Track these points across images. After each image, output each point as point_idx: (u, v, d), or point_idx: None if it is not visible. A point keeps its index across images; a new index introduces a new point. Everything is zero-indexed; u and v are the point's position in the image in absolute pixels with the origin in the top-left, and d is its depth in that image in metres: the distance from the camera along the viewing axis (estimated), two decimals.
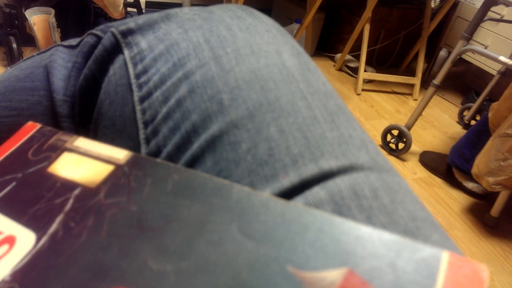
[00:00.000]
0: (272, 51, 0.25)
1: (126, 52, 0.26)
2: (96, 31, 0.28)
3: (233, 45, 0.24)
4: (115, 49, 0.27)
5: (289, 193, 0.19)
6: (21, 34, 1.60)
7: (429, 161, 1.51)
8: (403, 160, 1.54)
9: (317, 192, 0.19)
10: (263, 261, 0.14)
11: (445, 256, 0.13)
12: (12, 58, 1.59)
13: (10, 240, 0.19)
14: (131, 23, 0.27)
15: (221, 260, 0.15)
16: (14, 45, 1.55)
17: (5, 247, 0.18)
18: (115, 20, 1.62)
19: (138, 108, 0.24)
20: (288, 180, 0.19)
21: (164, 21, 0.27)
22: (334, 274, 0.13)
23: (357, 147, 0.22)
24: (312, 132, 0.21)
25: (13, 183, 0.22)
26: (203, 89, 0.23)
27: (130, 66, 0.25)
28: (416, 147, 1.64)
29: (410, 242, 0.14)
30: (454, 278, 0.12)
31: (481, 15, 1.28)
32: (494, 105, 1.25)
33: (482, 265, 0.12)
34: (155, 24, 0.27)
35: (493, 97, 1.74)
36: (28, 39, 1.59)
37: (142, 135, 0.24)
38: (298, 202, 0.19)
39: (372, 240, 0.14)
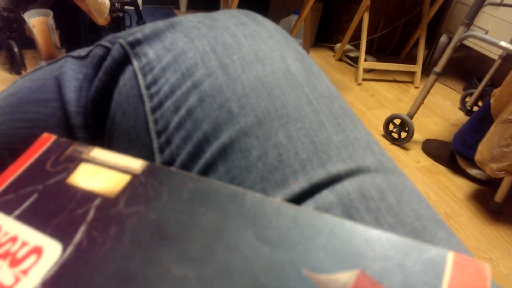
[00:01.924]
0: (277, 57, 0.26)
1: (135, 62, 0.27)
2: (104, 42, 0.29)
3: (239, 53, 0.25)
4: (124, 60, 0.27)
5: (299, 198, 0.20)
6: (20, 37, 1.60)
7: (432, 149, 1.51)
8: (406, 149, 1.55)
9: (327, 195, 0.20)
10: (278, 265, 0.15)
11: (450, 256, 0.14)
12: (13, 62, 1.59)
13: (37, 251, 0.20)
14: (138, 33, 0.28)
15: (239, 265, 0.16)
16: (16, 49, 1.55)
17: (33, 257, 0.19)
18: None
19: (150, 118, 0.25)
20: (298, 185, 0.20)
21: (170, 29, 0.28)
22: (347, 276, 0.14)
23: (363, 149, 0.22)
24: (319, 136, 0.22)
25: (35, 195, 0.23)
26: (212, 98, 0.23)
27: (140, 76, 0.26)
28: (419, 136, 1.64)
29: (417, 243, 0.15)
30: (459, 277, 0.13)
31: (481, 0, 1.27)
32: (496, 91, 1.25)
33: (485, 264, 0.13)
34: (161, 33, 0.28)
35: (495, 82, 1.74)
36: (27, 42, 1.59)
37: (155, 144, 0.24)
38: (308, 206, 0.20)
39: (381, 242, 0.15)
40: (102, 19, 1.50)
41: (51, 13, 1.51)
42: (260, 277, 0.15)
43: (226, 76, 0.24)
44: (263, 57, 0.25)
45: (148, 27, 0.29)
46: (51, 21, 1.51)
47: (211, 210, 0.18)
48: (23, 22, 1.52)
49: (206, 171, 0.22)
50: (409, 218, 0.20)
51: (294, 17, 2.08)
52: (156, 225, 0.19)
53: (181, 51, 0.26)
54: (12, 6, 1.56)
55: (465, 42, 1.98)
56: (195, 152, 0.23)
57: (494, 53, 1.87)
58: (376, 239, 0.15)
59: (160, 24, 0.29)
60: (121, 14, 1.81)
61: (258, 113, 0.23)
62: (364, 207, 0.19)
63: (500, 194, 1.25)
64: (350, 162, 0.21)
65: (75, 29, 1.64)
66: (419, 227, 0.20)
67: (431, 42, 2.28)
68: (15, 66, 1.59)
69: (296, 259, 0.15)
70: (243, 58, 0.25)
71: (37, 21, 1.49)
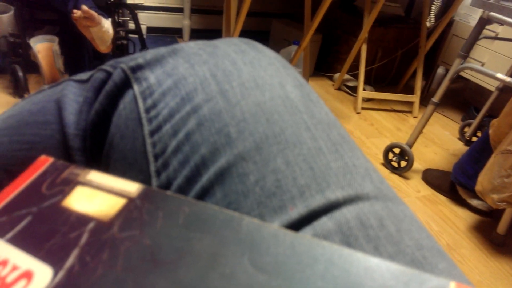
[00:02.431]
0: (276, 83, 0.26)
1: (135, 87, 0.27)
2: (106, 66, 0.30)
3: (238, 79, 0.25)
4: (125, 84, 0.28)
5: (297, 224, 0.20)
6: (25, 62, 1.63)
7: (432, 178, 1.51)
8: (406, 178, 1.54)
9: (325, 222, 0.20)
10: None
11: (452, 287, 0.13)
12: (17, 86, 1.61)
13: (27, 275, 0.19)
14: (139, 58, 0.28)
15: None
16: (20, 73, 1.57)
17: (23, 282, 0.19)
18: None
19: (148, 141, 0.25)
20: (296, 211, 0.20)
21: (171, 55, 0.28)
22: None
23: (362, 176, 0.22)
24: (318, 163, 0.22)
25: (29, 218, 0.23)
26: (211, 122, 0.24)
27: (139, 100, 0.26)
28: (419, 165, 1.64)
29: (418, 273, 0.14)
30: None
31: (476, 34, 1.30)
32: (494, 121, 1.26)
33: None
34: (163, 59, 0.28)
35: (493, 113, 1.76)
36: (32, 66, 1.62)
37: (152, 167, 0.24)
38: (306, 233, 0.20)
39: (380, 271, 0.14)
40: (104, 47, 1.53)
41: (56, 39, 1.54)
42: None
43: (225, 102, 0.24)
44: (262, 83, 0.26)
45: (150, 53, 0.29)
46: (56, 47, 1.53)
47: (206, 235, 0.18)
48: (28, 47, 1.55)
49: (203, 195, 0.22)
50: (409, 248, 0.19)
51: (294, 47, 2.12)
52: (150, 251, 0.18)
53: (182, 76, 0.26)
54: (19, 32, 1.60)
55: (463, 73, 2.02)
56: (192, 176, 0.23)
57: (491, 85, 1.90)
58: (376, 268, 0.15)
59: (162, 50, 0.29)
60: (125, 42, 1.85)
61: (256, 138, 0.23)
62: (363, 235, 0.19)
63: (502, 226, 1.24)
64: (348, 189, 0.21)
65: (79, 55, 1.67)
66: (420, 257, 0.19)
67: (428, 74, 2.32)
68: (19, 90, 1.61)
69: (294, 287, 0.15)
70: (242, 84, 0.25)
71: (42, 47, 1.52)
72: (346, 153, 0.23)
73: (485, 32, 1.75)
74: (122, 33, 1.85)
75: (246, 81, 0.25)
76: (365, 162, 0.24)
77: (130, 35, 1.90)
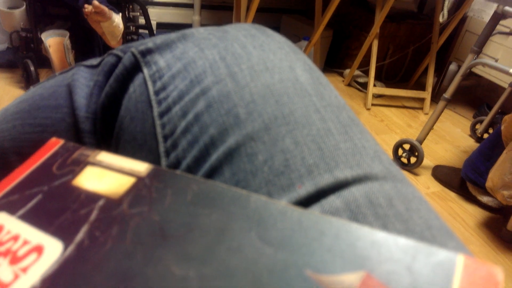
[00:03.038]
0: (285, 67, 0.26)
1: (145, 70, 0.27)
2: (116, 51, 0.30)
3: (248, 62, 0.25)
4: (134, 68, 0.28)
5: (305, 202, 0.20)
6: (37, 56, 1.65)
7: (442, 175, 1.49)
8: (415, 174, 1.53)
9: (333, 201, 0.19)
10: (281, 265, 0.15)
11: (460, 259, 0.13)
12: (29, 81, 1.63)
13: (38, 249, 0.19)
14: (149, 43, 0.29)
15: (241, 265, 0.15)
16: (32, 68, 1.59)
17: (34, 255, 0.19)
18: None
19: (157, 123, 0.25)
20: (304, 189, 0.20)
21: (181, 40, 0.28)
22: (352, 278, 0.14)
23: (371, 158, 0.22)
24: (326, 143, 0.22)
25: (39, 196, 0.23)
26: (220, 104, 0.24)
27: (149, 83, 0.27)
28: (429, 161, 1.62)
29: (426, 246, 0.14)
30: (470, 281, 0.13)
31: (490, 29, 1.28)
32: (506, 117, 1.24)
33: (497, 268, 0.13)
34: (172, 43, 0.28)
35: (505, 109, 1.73)
36: (43, 61, 1.64)
37: (162, 148, 0.24)
38: (314, 210, 0.20)
39: (387, 245, 0.14)
40: (114, 41, 1.54)
41: (67, 34, 1.56)
42: (262, 277, 0.15)
43: (234, 84, 0.24)
44: (272, 66, 0.26)
45: (160, 38, 0.29)
46: (67, 41, 1.55)
47: (214, 212, 0.18)
48: (40, 42, 1.57)
49: (211, 174, 0.22)
50: (418, 226, 0.19)
51: (304, 43, 2.11)
52: (158, 226, 0.18)
53: (191, 59, 0.26)
54: (30, 27, 1.62)
55: (475, 70, 1.99)
56: (201, 155, 0.23)
57: (504, 81, 1.87)
58: (383, 242, 0.15)
59: (172, 35, 0.29)
60: (135, 37, 1.86)
61: (265, 119, 0.23)
62: (372, 213, 0.19)
63: None
64: (357, 169, 0.21)
65: (90, 49, 1.68)
66: (429, 236, 0.19)
67: (440, 70, 2.29)
68: (30, 84, 1.63)
69: (300, 260, 0.15)
70: (252, 67, 0.25)
71: (53, 41, 1.54)
72: (355, 135, 0.23)
73: (499, 27, 1.72)
74: (132, 28, 1.86)
75: (255, 64, 0.25)
76: (375, 144, 0.24)
77: (140, 31, 1.91)
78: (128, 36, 1.82)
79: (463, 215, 1.33)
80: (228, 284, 0.15)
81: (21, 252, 0.19)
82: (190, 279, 0.15)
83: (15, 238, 0.20)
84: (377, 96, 2.13)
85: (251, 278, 0.15)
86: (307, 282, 0.14)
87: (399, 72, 2.38)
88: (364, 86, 2.15)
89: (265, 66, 0.26)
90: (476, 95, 2.29)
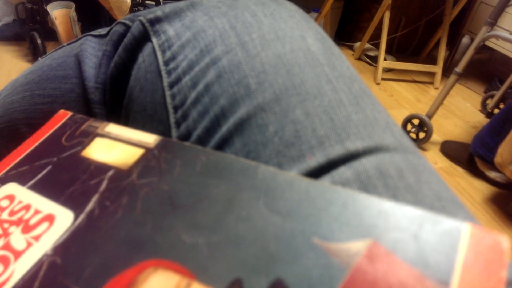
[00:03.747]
0: (297, 36, 0.25)
1: (154, 39, 0.27)
2: (125, 20, 0.29)
3: (258, 31, 0.25)
4: (143, 37, 0.28)
5: (315, 173, 0.20)
6: (43, 29, 1.63)
7: (451, 150, 1.48)
8: (424, 149, 1.52)
9: (344, 172, 0.19)
10: (289, 234, 0.15)
11: (466, 228, 0.13)
12: (36, 53, 1.63)
13: (49, 218, 0.20)
14: (158, 11, 0.28)
15: (250, 234, 0.15)
16: (39, 41, 1.59)
17: (45, 224, 0.20)
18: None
19: (167, 93, 0.25)
20: (314, 160, 0.20)
21: (190, 9, 0.28)
22: (359, 245, 0.14)
23: (382, 129, 0.22)
24: (338, 114, 0.22)
25: (49, 167, 0.23)
26: (230, 74, 0.23)
27: (158, 53, 0.26)
28: (437, 137, 1.61)
29: (432, 214, 0.14)
30: (476, 248, 0.13)
31: (506, 0, 1.24)
32: None
33: (503, 236, 0.13)
34: (181, 12, 0.28)
35: None
36: (49, 33, 1.63)
37: (172, 119, 0.25)
38: (324, 181, 0.20)
39: (394, 213, 0.15)
40: (121, 16, 1.52)
41: (73, 5, 1.54)
42: (270, 245, 0.15)
43: (245, 53, 0.24)
44: (283, 35, 0.25)
45: (169, 6, 0.29)
46: (73, 13, 1.53)
47: (223, 182, 0.18)
48: (46, 14, 1.55)
49: (222, 145, 0.22)
50: (428, 198, 0.19)
51: (314, 15, 2.06)
52: (168, 195, 0.19)
53: (201, 28, 0.26)
54: None
55: (488, 43, 1.94)
56: (212, 126, 0.23)
57: None
58: (390, 211, 0.15)
59: (181, 3, 0.29)
60: (142, 8, 1.83)
61: (276, 89, 0.22)
62: (382, 184, 0.19)
63: None
64: (369, 140, 0.21)
65: (96, 21, 1.67)
66: (439, 207, 0.19)
67: (452, 43, 2.24)
68: (38, 57, 1.63)
69: (307, 228, 0.15)
70: (262, 36, 0.25)
71: (59, 13, 1.52)
72: (367, 106, 0.23)
73: None
74: (138, 0, 1.83)
75: (266, 33, 0.25)
76: (386, 116, 0.24)
77: (147, 2, 1.88)
78: (135, 7, 1.80)
79: (470, 191, 1.33)
80: (237, 251, 0.15)
81: (33, 221, 0.20)
82: (200, 246, 0.16)
83: (27, 207, 0.21)
84: (387, 70, 2.10)
85: (260, 246, 0.15)
86: (314, 250, 0.14)
87: (410, 45, 2.33)
88: (374, 60, 2.11)
89: (276, 35, 0.25)
90: (488, 69, 2.24)
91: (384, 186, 0.19)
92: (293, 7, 0.29)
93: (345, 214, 0.15)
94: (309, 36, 0.26)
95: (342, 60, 0.26)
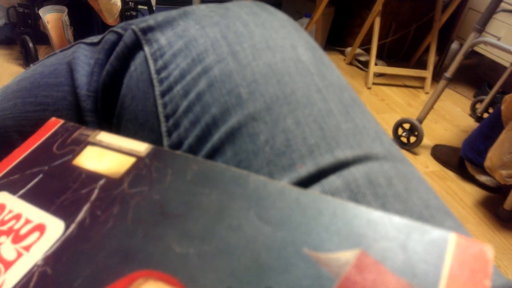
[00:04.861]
0: (287, 45, 0.26)
1: (146, 48, 0.27)
2: (117, 28, 0.30)
3: (250, 41, 0.25)
4: (135, 46, 0.28)
5: (306, 182, 0.20)
6: (35, 32, 1.62)
7: (441, 154, 1.50)
8: (414, 153, 1.54)
9: (333, 180, 0.20)
10: (280, 243, 0.15)
11: (452, 237, 0.14)
12: (28, 57, 1.61)
13: (40, 228, 0.20)
14: (150, 20, 0.28)
15: (241, 243, 0.16)
16: (30, 44, 1.57)
17: (36, 234, 0.20)
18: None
19: (159, 102, 0.25)
20: (305, 169, 0.20)
21: (182, 18, 0.28)
22: (348, 255, 0.14)
23: (372, 138, 0.22)
24: (328, 123, 0.22)
25: (40, 175, 0.23)
26: (222, 83, 0.24)
27: (150, 62, 0.26)
28: (428, 141, 1.63)
29: (420, 224, 0.14)
30: (461, 258, 0.13)
31: (494, 6, 1.26)
32: (507, 97, 1.24)
33: (487, 246, 0.13)
34: (174, 21, 0.28)
35: (506, 89, 1.72)
36: (41, 37, 1.61)
37: (164, 128, 0.25)
38: (314, 190, 0.20)
39: (383, 223, 0.15)
40: (111, 19, 1.52)
41: (65, 9, 1.53)
42: (261, 255, 0.15)
43: (236, 63, 0.24)
44: (274, 45, 0.25)
45: (161, 15, 0.29)
46: (65, 17, 1.53)
47: (214, 191, 0.18)
48: (37, 18, 1.54)
49: (213, 154, 0.23)
50: (416, 206, 0.19)
51: (305, 20, 2.08)
52: (159, 204, 0.19)
53: (193, 38, 0.26)
54: (27, 2, 1.59)
55: (477, 49, 1.96)
56: (203, 135, 0.23)
57: (506, 60, 1.85)
58: (379, 220, 0.15)
59: (173, 12, 0.29)
60: (134, 13, 1.83)
61: (267, 98, 0.23)
62: (371, 193, 0.19)
63: (509, 202, 1.23)
64: (358, 149, 0.21)
65: (89, 26, 1.66)
66: (427, 215, 0.19)
67: (442, 49, 2.27)
68: (29, 61, 1.61)
69: (298, 238, 0.15)
70: (253, 45, 0.25)
71: (52, 17, 1.52)
72: (357, 115, 0.23)
73: (503, 5, 1.69)
74: (131, 4, 1.83)
75: (257, 43, 0.25)
76: (376, 125, 0.24)
77: (140, 7, 1.88)
78: (127, 12, 1.79)
79: (461, 194, 1.35)
80: (228, 261, 0.15)
81: (23, 231, 0.20)
82: (190, 256, 0.16)
83: (17, 217, 0.21)
84: (378, 75, 2.12)
85: (250, 256, 0.15)
86: (304, 260, 0.14)
87: (401, 50, 2.35)
88: (366, 64, 2.13)
89: (267, 45, 0.25)
90: (477, 74, 2.27)
91: (374, 195, 0.19)
92: (284, 17, 0.29)
93: (335, 224, 0.15)
94: (299, 46, 0.26)
95: (332, 69, 0.26)
